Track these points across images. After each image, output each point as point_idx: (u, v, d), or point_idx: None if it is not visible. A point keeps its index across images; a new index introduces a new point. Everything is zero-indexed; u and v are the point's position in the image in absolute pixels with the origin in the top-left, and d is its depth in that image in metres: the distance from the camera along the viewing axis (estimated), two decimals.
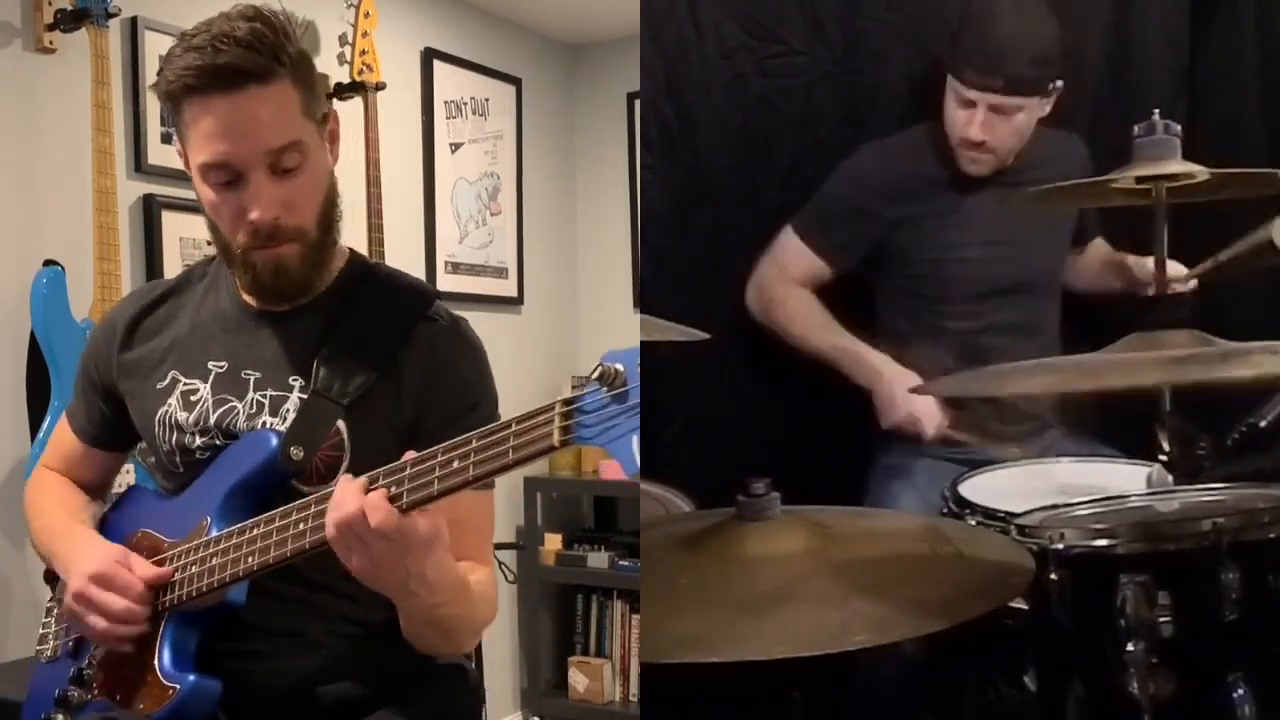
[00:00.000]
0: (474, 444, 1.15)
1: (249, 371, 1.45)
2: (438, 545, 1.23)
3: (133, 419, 1.53)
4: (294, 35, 1.40)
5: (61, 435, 1.64)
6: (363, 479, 1.22)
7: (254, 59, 1.33)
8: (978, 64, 2.12)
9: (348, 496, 1.20)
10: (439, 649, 1.41)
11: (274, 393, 1.43)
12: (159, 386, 1.49)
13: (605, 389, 1.05)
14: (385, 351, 1.43)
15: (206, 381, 1.46)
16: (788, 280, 2.30)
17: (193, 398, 1.46)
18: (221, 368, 1.47)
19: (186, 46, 1.35)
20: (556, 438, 1.08)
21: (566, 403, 1.08)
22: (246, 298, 1.49)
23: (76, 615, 1.40)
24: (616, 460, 1.05)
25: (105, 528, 1.55)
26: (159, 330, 1.53)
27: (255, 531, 1.31)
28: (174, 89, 1.35)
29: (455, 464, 1.16)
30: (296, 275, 1.43)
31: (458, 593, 1.32)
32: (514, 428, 1.12)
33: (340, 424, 1.40)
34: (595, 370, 1.06)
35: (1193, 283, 2.11)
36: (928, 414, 2.17)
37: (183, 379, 1.48)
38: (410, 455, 1.21)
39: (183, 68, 1.34)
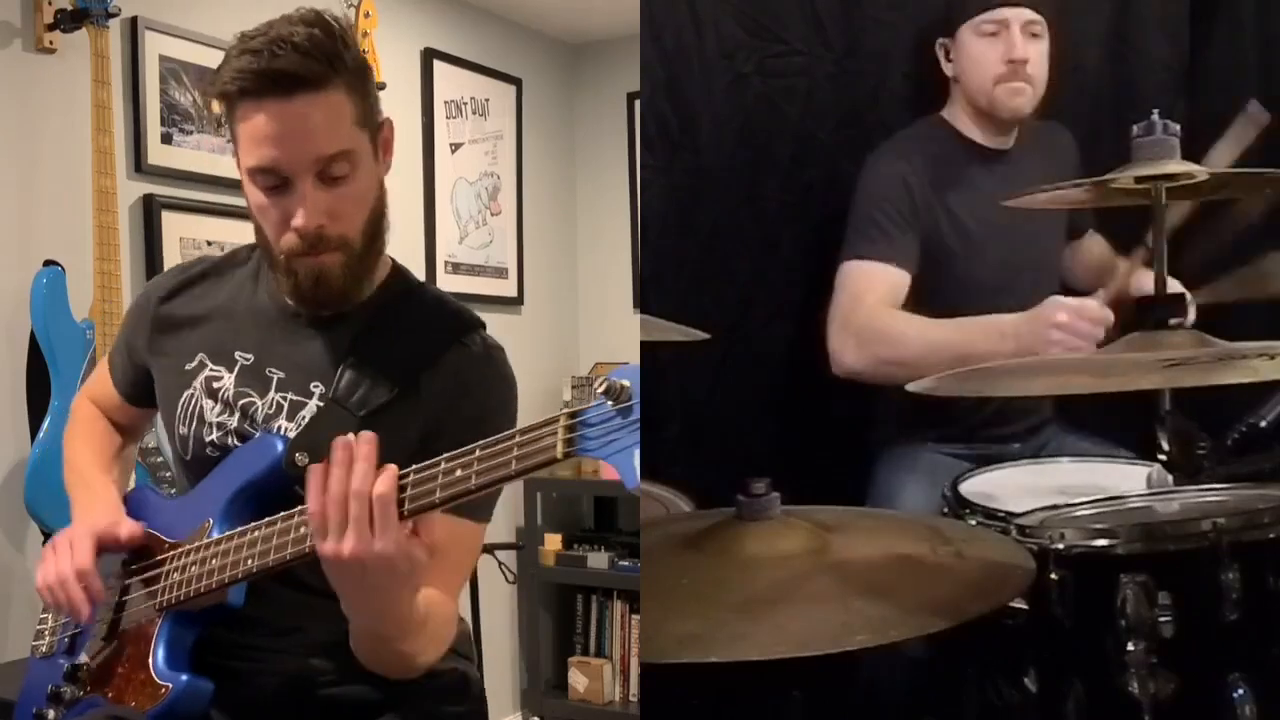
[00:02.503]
0: (477, 454, 1.15)
1: (274, 370, 1.45)
2: (409, 578, 1.22)
3: (156, 392, 1.54)
4: (353, 43, 1.39)
5: (102, 377, 1.67)
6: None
7: (309, 65, 1.32)
8: None
9: (360, 469, 1.19)
10: (370, 667, 1.37)
11: (294, 397, 1.43)
12: (187, 367, 1.49)
13: (611, 403, 1.07)
14: (409, 371, 1.42)
15: (232, 372, 1.47)
16: (874, 306, 2.12)
17: (215, 384, 1.47)
18: (248, 360, 1.47)
19: (243, 49, 1.34)
20: (560, 449, 1.09)
21: (571, 415, 1.09)
22: (285, 297, 1.49)
23: (44, 558, 1.44)
24: (618, 473, 1.07)
25: None
26: (193, 306, 1.53)
27: (255, 534, 1.31)
28: (229, 90, 1.35)
29: (459, 472, 1.15)
30: (337, 284, 1.42)
31: (406, 632, 1.29)
32: (517, 438, 1.12)
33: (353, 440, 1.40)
34: (601, 384, 1.07)
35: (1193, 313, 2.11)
36: (1079, 307, 1.92)
37: (210, 364, 1.48)
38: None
39: (238, 70, 1.33)
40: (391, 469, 1.19)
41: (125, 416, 1.67)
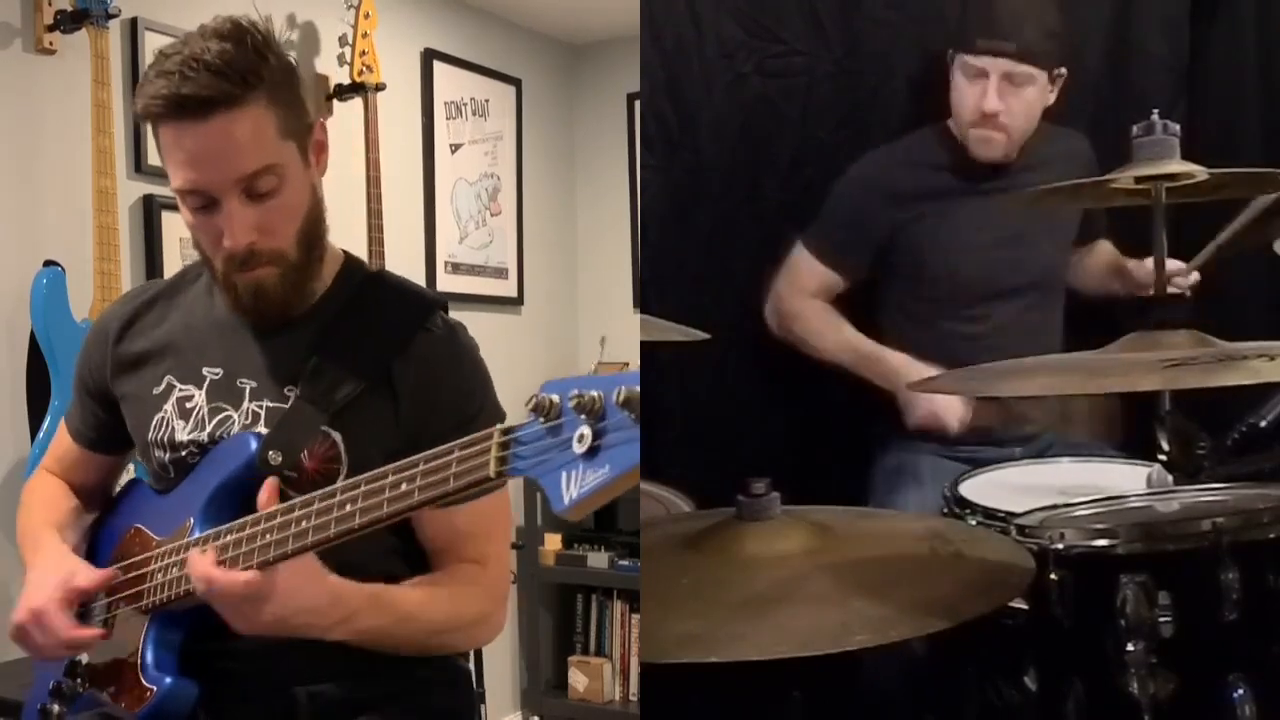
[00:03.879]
0: (420, 467, 1.14)
1: (245, 380, 1.44)
2: (272, 600, 1.24)
3: (127, 422, 1.52)
4: (273, 51, 1.36)
5: (61, 438, 1.64)
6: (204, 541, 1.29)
7: (220, 86, 1.30)
8: (991, 30, 2.15)
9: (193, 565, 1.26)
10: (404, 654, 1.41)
11: (270, 404, 1.42)
12: (155, 391, 1.48)
13: (541, 419, 1.03)
14: (378, 361, 1.42)
15: (201, 388, 1.46)
16: (802, 294, 2.30)
17: (188, 404, 1.45)
18: (217, 375, 1.46)
19: (159, 70, 1.33)
20: (493, 468, 1.07)
21: (505, 431, 1.07)
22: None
23: (21, 643, 1.42)
24: (546, 494, 1.02)
25: (105, 523, 1.56)
26: (152, 332, 1.52)
27: (227, 538, 1.30)
28: (146, 114, 1.35)
29: (403, 486, 1.15)
30: (276, 297, 1.41)
31: (400, 624, 1.34)
32: (456, 454, 1.11)
33: (336, 436, 1.39)
34: (530, 401, 1.04)
35: (1195, 276, 2.12)
36: (950, 410, 2.19)
37: (178, 385, 1.47)
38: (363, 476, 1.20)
39: (151, 96, 1.32)
40: (209, 555, 1.27)
41: (89, 472, 1.62)
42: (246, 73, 1.32)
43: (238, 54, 1.32)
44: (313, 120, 1.44)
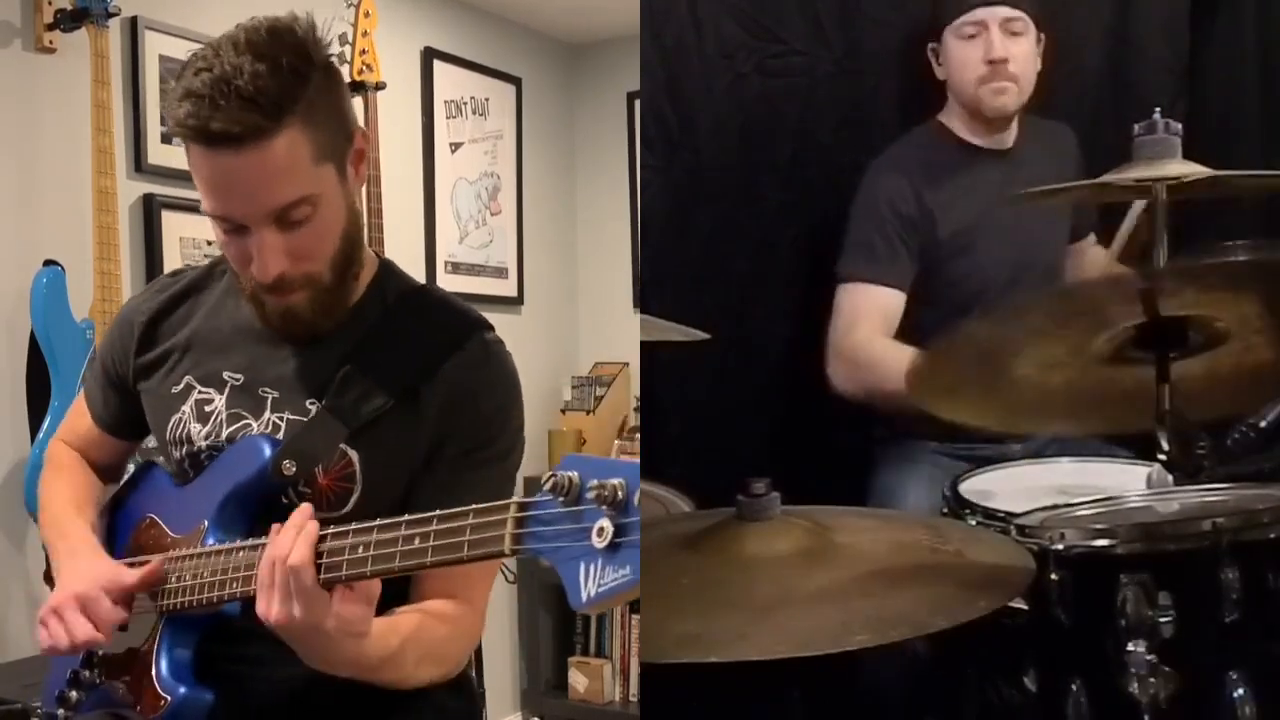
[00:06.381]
0: (434, 526, 1.11)
1: (267, 389, 1.41)
2: (343, 639, 1.19)
3: (147, 416, 1.51)
4: (313, 64, 1.28)
5: (79, 414, 1.62)
6: (315, 525, 1.19)
7: (252, 120, 1.22)
8: None
9: (285, 535, 1.18)
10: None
11: (291, 416, 1.39)
12: (174, 390, 1.46)
13: (560, 499, 0.99)
14: (408, 382, 1.37)
15: (222, 393, 1.42)
16: (866, 330, 2.16)
17: (207, 408, 1.43)
18: (238, 380, 1.42)
19: (187, 90, 1.23)
20: (508, 545, 1.04)
21: (521, 507, 1.03)
22: None
23: (46, 623, 1.37)
24: (564, 584, 0.97)
25: (119, 507, 1.55)
26: (177, 330, 1.49)
27: (241, 557, 1.29)
28: (174, 133, 1.30)
29: (416, 542, 1.11)
30: (305, 319, 1.37)
31: (364, 673, 1.27)
32: (471, 520, 1.07)
33: (353, 454, 1.36)
34: (547, 480, 1.00)
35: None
36: None
37: (198, 386, 1.44)
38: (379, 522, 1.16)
39: (178, 120, 1.24)
40: (308, 536, 1.16)
41: (105, 453, 1.61)
42: (282, 99, 1.23)
43: (272, 80, 1.23)
44: (353, 128, 1.37)
